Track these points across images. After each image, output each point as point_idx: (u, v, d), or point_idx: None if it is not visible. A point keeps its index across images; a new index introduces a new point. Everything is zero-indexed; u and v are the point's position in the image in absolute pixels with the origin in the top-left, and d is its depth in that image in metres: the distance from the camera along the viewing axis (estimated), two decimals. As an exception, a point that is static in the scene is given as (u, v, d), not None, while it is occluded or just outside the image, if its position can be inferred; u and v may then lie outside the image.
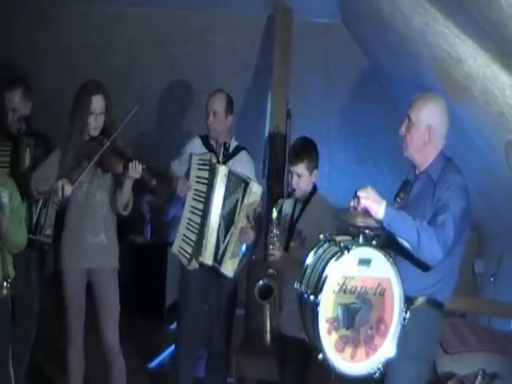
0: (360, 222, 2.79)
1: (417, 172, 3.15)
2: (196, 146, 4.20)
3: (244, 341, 4.68)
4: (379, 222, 2.81)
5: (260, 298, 3.65)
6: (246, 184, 3.98)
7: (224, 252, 3.99)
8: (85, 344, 3.94)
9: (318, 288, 2.72)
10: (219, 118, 4.10)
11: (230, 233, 4.00)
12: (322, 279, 2.71)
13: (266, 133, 5.45)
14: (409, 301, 2.86)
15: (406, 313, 2.81)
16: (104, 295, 3.85)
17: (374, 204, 2.81)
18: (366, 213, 2.81)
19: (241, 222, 3.99)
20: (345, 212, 2.89)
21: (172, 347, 4.77)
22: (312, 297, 2.72)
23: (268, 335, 3.72)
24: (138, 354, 5.06)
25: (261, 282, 3.63)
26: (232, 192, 4.00)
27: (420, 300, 3.03)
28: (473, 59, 3.26)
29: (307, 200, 3.68)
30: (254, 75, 5.75)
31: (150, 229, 6.59)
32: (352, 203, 2.83)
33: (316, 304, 2.70)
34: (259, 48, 5.58)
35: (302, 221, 3.66)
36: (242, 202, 3.98)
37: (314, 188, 3.71)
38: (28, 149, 3.95)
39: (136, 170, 3.58)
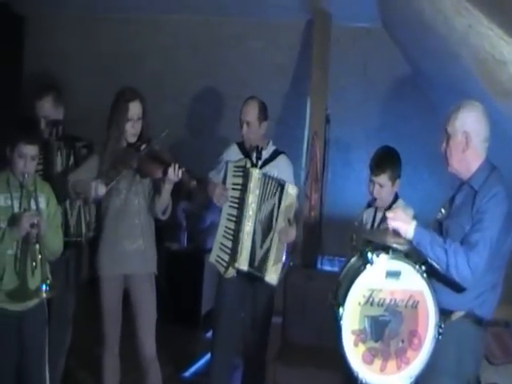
0: (391, 241, 2.81)
1: (461, 183, 3.07)
2: (233, 153, 4.16)
3: (281, 350, 4.62)
4: (409, 241, 2.82)
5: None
6: (282, 187, 3.92)
7: (265, 259, 3.93)
8: (121, 351, 3.92)
9: (342, 299, 2.76)
10: (253, 127, 4.06)
11: (269, 239, 3.93)
12: (347, 291, 2.74)
13: (305, 138, 5.40)
14: (445, 315, 2.83)
15: (441, 327, 2.77)
16: (141, 302, 3.82)
17: (402, 224, 2.83)
18: (397, 232, 2.84)
19: (279, 225, 3.92)
20: (376, 231, 2.97)
21: (207, 356, 4.71)
22: (337, 308, 2.74)
23: None
24: (173, 362, 5.02)
25: None
26: (269, 196, 3.94)
27: (457, 314, 2.94)
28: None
29: (388, 209, 3.53)
30: (292, 80, 5.73)
31: (187, 236, 6.56)
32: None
33: (340, 316, 2.72)
34: (297, 53, 5.55)
35: None
36: (279, 207, 3.92)
37: (396, 197, 3.65)
38: (59, 152, 3.96)
39: (176, 173, 3.56)
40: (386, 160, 3.60)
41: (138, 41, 5.82)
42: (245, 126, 4.06)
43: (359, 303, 2.74)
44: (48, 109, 3.99)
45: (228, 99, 5.84)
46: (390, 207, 3.57)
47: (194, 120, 6.17)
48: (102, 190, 3.58)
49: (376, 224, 3.62)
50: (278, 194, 3.91)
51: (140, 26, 5.78)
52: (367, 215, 3.70)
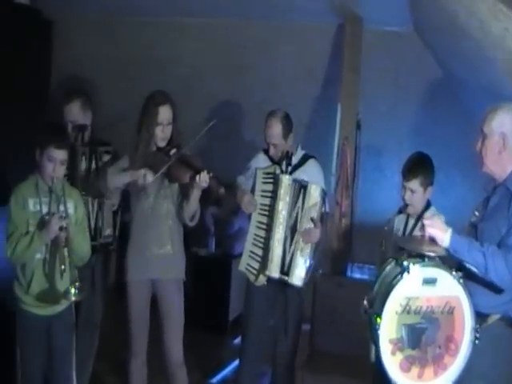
0: (426, 249, 2.81)
1: (495, 184, 3.03)
2: (261, 160, 4.11)
3: (309, 357, 4.57)
4: (445, 249, 2.82)
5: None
6: (305, 187, 3.85)
7: (290, 262, 3.87)
8: (148, 356, 3.90)
9: (379, 309, 2.75)
10: (279, 145, 3.98)
11: (294, 241, 3.87)
12: (384, 300, 2.74)
13: (336, 144, 5.35)
14: (481, 318, 2.82)
15: (478, 331, 2.78)
16: (168, 307, 3.80)
17: (439, 232, 2.83)
18: (433, 240, 2.84)
19: (303, 227, 3.85)
20: (412, 239, 2.97)
21: (235, 362, 4.69)
22: (374, 318, 2.74)
23: (373, 354, 3.53)
24: (200, 368, 4.99)
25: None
26: (296, 201, 3.88)
27: (493, 318, 2.93)
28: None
29: (420, 216, 3.53)
30: (323, 85, 5.67)
31: (215, 241, 6.54)
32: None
33: (377, 326, 2.72)
34: (328, 57, 5.51)
35: None
36: (302, 208, 3.86)
37: (428, 204, 3.59)
38: (83, 157, 3.96)
39: (204, 179, 3.53)
40: (418, 165, 3.56)
41: (165, 45, 5.83)
42: (271, 148, 4.00)
43: (396, 312, 2.74)
44: (75, 113, 4.00)
45: (258, 104, 5.80)
46: (421, 214, 3.52)
47: (222, 125, 6.13)
48: (150, 177, 3.58)
49: (408, 231, 3.57)
50: (301, 196, 3.85)
51: (168, 30, 5.79)
52: (398, 222, 3.65)
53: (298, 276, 3.84)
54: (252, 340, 4.08)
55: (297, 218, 3.86)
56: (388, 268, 2.92)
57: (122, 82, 6.06)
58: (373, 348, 3.37)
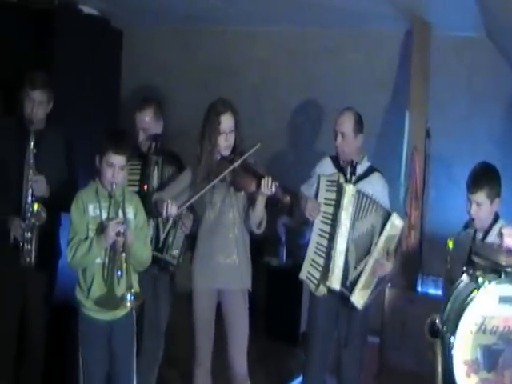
0: (503, 260, 2.68)
1: None
2: (326, 166, 4.05)
3: (379, 372, 4.45)
4: None
5: (430, 336, 3.38)
6: (388, 214, 3.72)
7: (355, 281, 3.77)
8: (214, 367, 3.88)
9: (453, 328, 2.65)
10: (347, 139, 3.92)
11: (363, 262, 3.76)
12: (458, 319, 2.64)
13: (404, 153, 5.22)
14: None
15: None
16: (232, 319, 3.78)
17: None
18: (510, 251, 2.71)
19: (377, 253, 3.73)
20: (488, 248, 2.80)
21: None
22: (448, 336, 2.63)
23: (440, 377, 3.41)
24: (270, 379, 4.96)
25: (431, 318, 3.37)
26: (363, 215, 3.78)
27: None
28: None
29: (488, 230, 3.39)
30: (392, 93, 5.57)
31: (286, 251, 6.50)
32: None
33: (451, 345, 2.62)
34: (397, 65, 5.40)
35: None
36: (380, 233, 3.73)
37: (496, 217, 3.43)
38: (156, 167, 3.99)
39: (269, 186, 3.49)
40: (483, 177, 3.38)
41: (235, 53, 5.86)
42: (339, 137, 3.94)
43: (471, 331, 2.63)
44: (148, 121, 4.05)
45: (326, 113, 5.75)
46: (489, 228, 3.36)
47: (292, 133, 6.12)
48: (173, 210, 3.56)
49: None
50: (380, 219, 3.72)
51: (238, 39, 5.82)
52: (465, 237, 3.45)
53: (361, 298, 3.75)
54: (315, 352, 4.00)
55: (370, 238, 3.75)
56: (462, 285, 2.80)
57: (193, 91, 6.11)
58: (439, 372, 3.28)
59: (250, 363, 3.84)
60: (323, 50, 5.56)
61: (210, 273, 3.76)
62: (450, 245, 3.29)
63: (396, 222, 3.71)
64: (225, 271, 3.75)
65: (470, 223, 3.40)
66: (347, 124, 3.91)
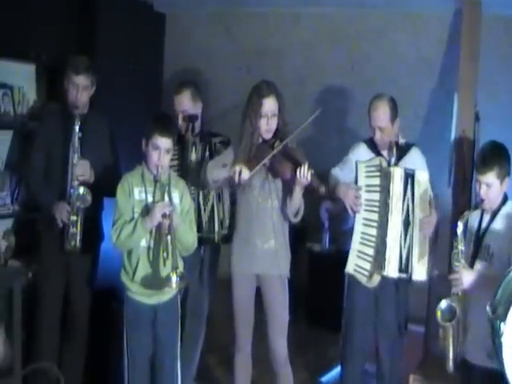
0: None
1: None
2: (361, 152, 3.96)
3: (423, 361, 4.38)
4: None
5: (442, 320, 3.31)
6: (412, 176, 3.69)
7: (409, 258, 3.71)
8: (255, 352, 3.87)
9: (503, 315, 2.60)
10: (386, 131, 3.84)
11: (409, 235, 3.71)
12: (508, 306, 2.59)
13: (452, 138, 5.08)
14: None
15: None
16: (272, 303, 3.75)
17: None
18: None
19: (417, 218, 3.69)
20: None
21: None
22: (498, 324, 2.59)
23: (451, 362, 3.35)
24: (311, 366, 4.92)
25: (443, 302, 3.30)
26: (405, 192, 3.71)
27: None
28: None
29: (496, 211, 3.31)
30: (439, 75, 5.41)
31: (329, 237, 6.42)
32: None
33: (501, 333, 2.58)
34: (445, 46, 5.25)
35: (489, 234, 3.29)
36: (413, 198, 3.69)
37: (505, 198, 3.34)
38: (194, 148, 3.98)
39: (304, 175, 3.42)
40: (492, 156, 3.26)
41: (277, 36, 5.80)
42: (378, 132, 3.85)
43: None
44: (186, 103, 4.06)
45: (372, 96, 5.64)
46: (498, 209, 3.28)
47: (336, 117, 6.02)
48: (245, 175, 3.50)
49: (483, 228, 3.32)
50: (410, 186, 3.68)
51: (281, 21, 5.75)
52: (473, 218, 3.38)
53: (421, 271, 3.70)
54: (354, 340, 3.99)
55: (408, 210, 3.69)
56: (512, 274, 2.70)
57: (235, 73, 6.07)
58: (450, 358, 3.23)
59: (289, 350, 3.82)
60: (368, 31, 5.45)
61: (247, 257, 3.74)
62: (460, 228, 3.23)
63: (420, 178, 3.68)
64: (262, 256, 3.72)
65: (479, 204, 3.31)
66: (383, 118, 3.82)
